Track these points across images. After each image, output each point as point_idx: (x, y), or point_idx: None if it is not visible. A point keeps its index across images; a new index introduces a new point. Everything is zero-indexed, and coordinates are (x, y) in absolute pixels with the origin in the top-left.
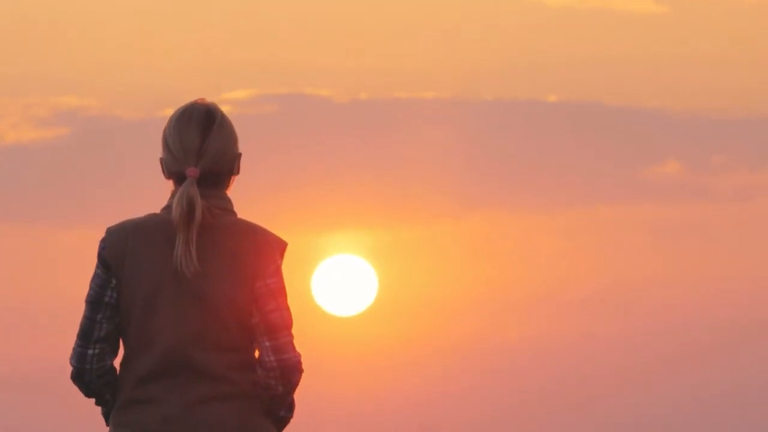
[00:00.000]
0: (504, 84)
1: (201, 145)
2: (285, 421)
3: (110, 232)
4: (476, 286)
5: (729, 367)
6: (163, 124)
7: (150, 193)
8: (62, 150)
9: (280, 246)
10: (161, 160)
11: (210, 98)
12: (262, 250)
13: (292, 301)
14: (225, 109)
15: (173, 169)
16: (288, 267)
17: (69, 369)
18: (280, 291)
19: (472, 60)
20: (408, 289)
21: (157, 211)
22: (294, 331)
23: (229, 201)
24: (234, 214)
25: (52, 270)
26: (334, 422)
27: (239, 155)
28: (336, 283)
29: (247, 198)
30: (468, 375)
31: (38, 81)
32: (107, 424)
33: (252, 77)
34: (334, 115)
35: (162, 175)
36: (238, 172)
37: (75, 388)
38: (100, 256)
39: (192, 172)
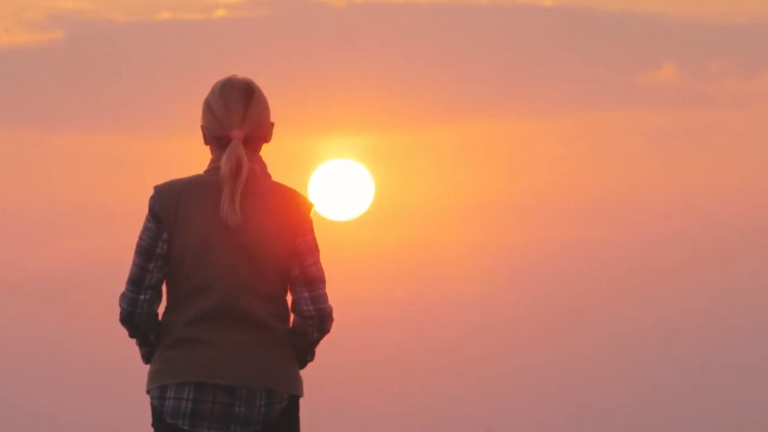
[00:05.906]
0: None
1: (245, 110)
2: (306, 364)
3: (160, 189)
4: (472, 192)
5: (726, 272)
6: (158, 26)
7: (142, 96)
8: (56, 53)
9: (310, 206)
10: (202, 127)
11: (205, 1)
12: (301, 210)
13: None
14: (219, 13)
15: (217, 134)
16: (285, 171)
17: (62, 273)
18: (316, 247)
19: None
20: (404, 195)
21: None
22: None
23: (264, 164)
24: (270, 176)
25: (45, 174)
26: None
27: (272, 124)
28: (332, 188)
29: None
30: (464, 281)
31: None
32: (146, 362)
33: None
34: (329, 19)
35: (152, 85)
36: (270, 140)
37: (72, 291)
38: (151, 210)
39: (237, 134)
